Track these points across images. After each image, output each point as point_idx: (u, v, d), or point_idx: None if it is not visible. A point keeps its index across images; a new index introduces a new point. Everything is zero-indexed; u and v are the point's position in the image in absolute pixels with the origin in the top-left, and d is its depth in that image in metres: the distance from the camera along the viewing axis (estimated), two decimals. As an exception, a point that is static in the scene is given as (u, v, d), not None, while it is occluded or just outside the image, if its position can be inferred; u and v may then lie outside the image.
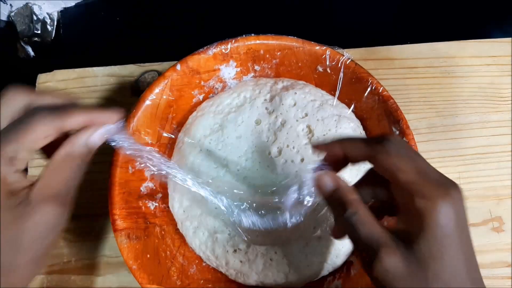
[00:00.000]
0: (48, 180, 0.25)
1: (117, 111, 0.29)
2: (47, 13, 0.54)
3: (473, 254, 0.25)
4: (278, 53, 0.43)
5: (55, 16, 0.55)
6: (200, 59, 0.42)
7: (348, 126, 0.41)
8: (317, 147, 0.29)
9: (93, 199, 0.46)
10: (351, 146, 0.28)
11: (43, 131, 0.25)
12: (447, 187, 0.24)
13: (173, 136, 0.44)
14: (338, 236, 0.28)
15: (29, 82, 0.50)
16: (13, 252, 0.23)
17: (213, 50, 0.42)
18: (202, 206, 0.40)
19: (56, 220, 0.25)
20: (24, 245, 0.24)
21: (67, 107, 0.27)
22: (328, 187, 0.27)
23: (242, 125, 0.42)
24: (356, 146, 0.27)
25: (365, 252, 0.25)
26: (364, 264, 0.25)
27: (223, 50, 0.42)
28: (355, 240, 0.26)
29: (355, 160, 0.28)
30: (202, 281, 0.39)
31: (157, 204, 0.42)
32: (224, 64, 0.43)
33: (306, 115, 0.42)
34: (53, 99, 0.28)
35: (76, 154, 0.27)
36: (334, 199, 0.27)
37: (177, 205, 0.41)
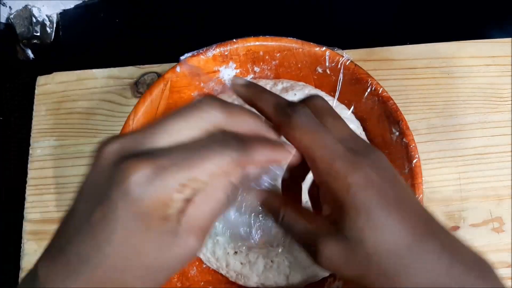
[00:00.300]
0: (198, 210, 0.22)
1: (292, 150, 0.25)
2: (47, 15, 0.54)
3: (415, 210, 0.23)
4: (278, 54, 0.43)
5: (55, 18, 0.55)
6: (199, 61, 0.42)
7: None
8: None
9: (93, 201, 0.46)
10: (261, 102, 0.26)
11: (222, 165, 0.21)
12: (355, 161, 0.23)
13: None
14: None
15: (29, 84, 0.51)
16: (142, 281, 0.21)
17: (213, 51, 0.42)
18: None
19: (193, 253, 0.22)
20: (158, 277, 0.22)
21: (252, 140, 0.23)
22: (261, 202, 0.27)
23: None
24: (267, 106, 0.26)
25: (306, 248, 0.25)
26: (311, 258, 0.24)
27: (223, 52, 0.42)
28: (295, 239, 0.26)
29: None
30: (202, 283, 0.39)
31: (157, 206, 0.42)
32: (223, 65, 0.43)
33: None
34: (247, 125, 0.24)
35: (233, 187, 0.23)
36: (269, 210, 0.27)
37: (177, 207, 0.41)
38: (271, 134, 0.25)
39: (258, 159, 0.23)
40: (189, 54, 0.40)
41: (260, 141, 0.23)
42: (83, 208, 0.21)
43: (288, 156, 0.24)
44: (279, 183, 0.28)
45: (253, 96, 0.27)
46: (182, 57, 0.37)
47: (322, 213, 0.25)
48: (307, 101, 0.26)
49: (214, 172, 0.21)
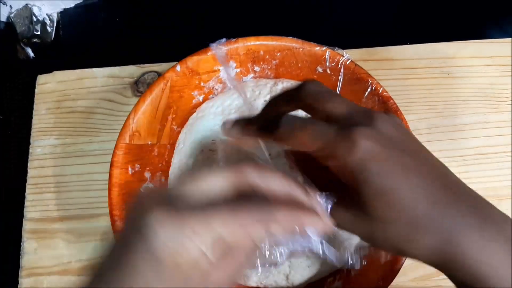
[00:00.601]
0: (221, 273, 0.22)
1: (326, 218, 0.25)
2: (47, 14, 0.54)
3: (429, 173, 0.23)
4: (278, 54, 0.43)
5: (55, 17, 0.55)
6: (199, 60, 0.42)
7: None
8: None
9: (93, 200, 0.46)
10: (253, 131, 0.28)
11: (247, 226, 0.22)
12: (350, 140, 0.22)
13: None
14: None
15: (29, 83, 0.51)
16: None
17: (213, 51, 0.42)
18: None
19: None
20: None
21: (279, 201, 0.24)
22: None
23: None
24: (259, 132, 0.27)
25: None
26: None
27: (223, 51, 0.42)
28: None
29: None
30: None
31: (157, 205, 0.42)
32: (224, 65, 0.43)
33: (307, 115, 0.41)
34: (278, 186, 0.24)
35: (256, 249, 0.23)
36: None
37: (177, 206, 0.41)
38: (303, 197, 0.25)
39: (282, 221, 0.23)
40: (223, 40, 0.39)
41: (287, 203, 0.24)
42: (113, 255, 0.22)
43: (316, 222, 0.24)
44: (316, 248, 0.26)
45: (242, 130, 0.28)
46: (214, 44, 0.37)
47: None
48: (301, 90, 0.26)
49: (239, 234, 0.21)
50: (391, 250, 0.26)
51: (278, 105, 0.28)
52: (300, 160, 0.30)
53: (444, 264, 0.23)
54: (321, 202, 0.26)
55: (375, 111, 0.25)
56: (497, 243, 0.22)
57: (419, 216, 0.22)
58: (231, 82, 0.34)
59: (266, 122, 0.27)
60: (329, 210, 0.26)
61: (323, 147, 0.23)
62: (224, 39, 0.39)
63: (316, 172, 0.28)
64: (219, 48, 0.36)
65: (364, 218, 0.24)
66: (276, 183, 0.24)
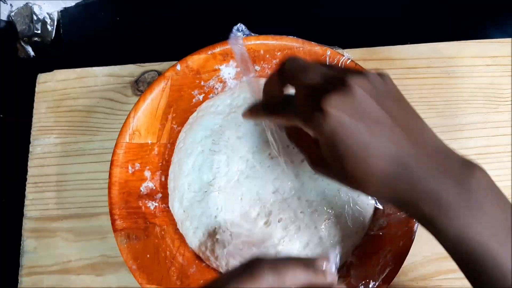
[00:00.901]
0: None
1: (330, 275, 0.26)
2: (47, 13, 0.54)
3: (395, 134, 0.25)
4: (278, 53, 0.43)
5: (55, 16, 0.55)
6: (200, 59, 0.42)
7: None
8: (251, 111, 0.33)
9: (93, 199, 0.46)
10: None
11: None
12: (318, 106, 0.25)
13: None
14: None
15: (29, 82, 0.51)
16: None
17: (213, 50, 0.42)
18: (202, 206, 0.40)
19: None
20: None
21: None
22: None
23: (243, 125, 0.41)
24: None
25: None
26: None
27: (223, 50, 0.42)
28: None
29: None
30: (202, 281, 0.40)
31: (157, 204, 0.42)
32: (224, 64, 0.43)
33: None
34: (298, 280, 0.25)
35: None
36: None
37: (177, 205, 0.41)
38: (322, 280, 0.26)
39: None
40: (242, 31, 0.39)
41: None
42: None
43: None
44: None
45: (254, 114, 0.33)
46: (233, 35, 0.38)
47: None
48: (282, 68, 0.28)
49: None
50: (356, 188, 0.28)
51: (272, 85, 0.30)
52: (299, 134, 0.33)
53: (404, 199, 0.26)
54: (333, 263, 0.27)
55: (353, 73, 0.26)
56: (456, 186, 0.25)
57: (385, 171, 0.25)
58: (249, 80, 0.35)
59: (270, 103, 0.31)
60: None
61: (302, 117, 0.27)
62: (244, 34, 0.40)
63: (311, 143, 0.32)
64: (238, 43, 0.36)
65: (336, 172, 0.28)
66: (296, 278, 0.25)
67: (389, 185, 0.25)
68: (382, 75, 0.27)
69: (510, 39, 0.51)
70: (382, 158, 0.25)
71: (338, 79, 0.26)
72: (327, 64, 0.29)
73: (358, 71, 0.27)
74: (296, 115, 0.28)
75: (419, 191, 0.25)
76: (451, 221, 0.24)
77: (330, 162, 0.27)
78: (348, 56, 0.42)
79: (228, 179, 0.40)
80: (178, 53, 0.43)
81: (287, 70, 0.28)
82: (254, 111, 0.32)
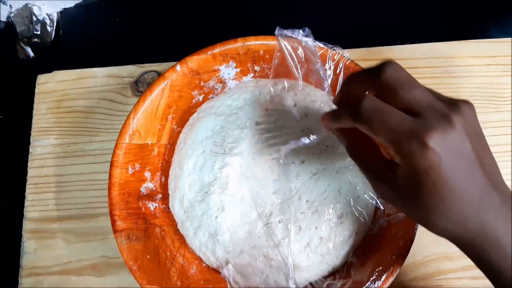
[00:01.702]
0: None
1: None
2: (47, 14, 0.54)
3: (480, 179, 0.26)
4: (278, 54, 0.43)
5: (55, 17, 0.55)
6: (199, 60, 0.42)
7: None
8: (326, 115, 0.32)
9: (93, 200, 0.46)
10: (352, 88, 0.29)
11: None
12: (424, 136, 0.24)
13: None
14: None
15: (29, 83, 0.51)
16: None
17: (213, 50, 0.42)
18: (203, 207, 0.40)
19: None
20: None
21: None
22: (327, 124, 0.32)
23: (244, 126, 0.41)
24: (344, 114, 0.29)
25: (371, 184, 0.30)
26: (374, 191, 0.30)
27: (223, 51, 0.42)
28: (351, 157, 0.31)
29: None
30: (202, 281, 0.39)
31: (157, 205, 0.42)
32: (224, 64, 0.43)
33: (306, 115, 0.41)
34: None
35: None
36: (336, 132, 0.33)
37: (177, 206, 0.41)
38: None
39: None
40: (286, 32, 0.39)
41: None
42: None
43: None
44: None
45: (331, 122, 0.31)
46: (279, 32, 0.38)
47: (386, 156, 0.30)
48: (380, 74, 0.27)
49: None
50: (419, 222, 0.28)
51: (352, 86, 0.29)
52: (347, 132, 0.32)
53: (470, 241, 0.26)
54: None
55: (453, 106, 0.26)
56: None
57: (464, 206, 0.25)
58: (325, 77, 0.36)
59: (345, 106, 0.29)
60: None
61: (394, 138, 0.25)
62: (287, 31, 0.39)
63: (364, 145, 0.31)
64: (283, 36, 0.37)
65: (409, 203, 0.27)
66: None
67: (461, 226, 0.26)
68: (469, 105, 0.27)
69: (510, 38, 0.51)
70: (465, 200, 0.25)
71: (442, 114, 0.25)
72: (425, 87, 0.28)
73: (456, 102, 0.27)
74: (384, 130, 0.26)
75: (486, 234, 0.26)
76: None
77: (405, 191, 0.27)
78: (348, 56, 0.42)
79: (229, 180, 0.40)
80: (178, 54, 0.43)
81: (387, 79, 0.26)
82: (334, 116, 0.31)
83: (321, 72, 0.38)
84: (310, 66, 0.38)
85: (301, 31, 0.38)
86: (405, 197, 0.27)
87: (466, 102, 0.27)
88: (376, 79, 0.27)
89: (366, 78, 0.28)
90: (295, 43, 0.39)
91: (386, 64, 0.27)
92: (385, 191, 0.28)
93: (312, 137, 0.34)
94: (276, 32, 0.38)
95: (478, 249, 0.26)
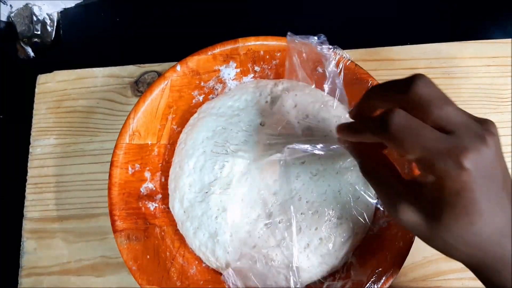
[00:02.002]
0: None
1: None
2: (47, 14, 0.54)
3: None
4: (278, 54, 0.43)
5: (55, 16, 0.55)
6: (200, 60, 0.42)
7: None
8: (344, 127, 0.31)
9: (93, 200, 0.46)
10: (375, 100, 0.28)
11: None
12: (456, 159, 0.23)
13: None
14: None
15: (29, 83, 0.51)
16: None
17: (213, 51, 0.42)
18: (203, 207, 0.40)
19: None
20: None
21: None
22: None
23: (247, 129, 0.41)
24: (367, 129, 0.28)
25: (383, 199, 0.28)
26: (386, 209, 0.28)
27: (223, 51, 0.42)
28: (373, 187, 0.29)
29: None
30: (202, 282, 0.39)
31: (157, 205, 0.42)
32: (224, 65, 0.43)
33: (307, 116, 0.41)
34: None
35: None
36: (352, 150, 0.32)
37: (177, 206, 0.41)
38: None
39: None
40: (298, 37, 0.38)
41: None
42: None
43: None
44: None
45: (354, 129, 0.30)
46: (290, 38, 0.37)
47: (412, 179, 0.28)
48: (411, 88, 0.25)
49: None
50: (436, 245, 0.27)
51: (375, 99, 0.28)
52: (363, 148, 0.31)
53: (491, 266, 0.26)
54: None
55: (484, 125, 0.26)
56: None
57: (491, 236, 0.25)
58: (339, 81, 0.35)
59: (367, 119, 0.28)
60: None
61: (428, 156, 0.24)
62: (300, 37, 0.38)
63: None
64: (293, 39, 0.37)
65: (434, 225, 0.26)
66: None
67: (482, 251, 0.25)
68: (495, 125, 0.27)
69: (510, 39, 0.51)
70: (492, 225, 0.25)
71: (477, 133, 0.25)
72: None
73: (486, 121, 0.26)
74: (417, 148, 0.24)
75: (509, 261, 0.25)
76: None
77: (428, 212, 0.26)
78: (348, 56, 0.42)
79: (229, 180, 0.40)
80: (178, 54, 0.43)
81: (419, 94, 0.25)
82: (354, 129, 0.30)
83: (337, 82, 0.37)
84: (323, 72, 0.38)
85: (316, 37, 0.37)
86: (428, 218, 0.26)
87: (491, 121, 0.26)
88: (404, 93, 0.25)
89: (392, 91, 0.27)
90: (306, 48, 0.38)
91: (416, 78, 0.25)
92: (404, 211, 0.26)
93: (319, 146, 0.33)
94: (288, 38, 0.37)
95: (498, 275, 0.26)
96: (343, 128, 0.31)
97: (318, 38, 0.37)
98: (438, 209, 0.25)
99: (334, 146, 0.33)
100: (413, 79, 0.25)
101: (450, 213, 0.24)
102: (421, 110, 0.25)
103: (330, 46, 0.38)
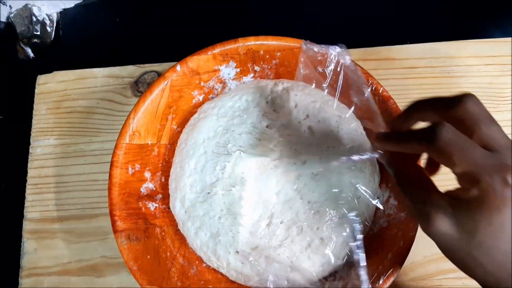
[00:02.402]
0: None
1: None
2: (47, 14, 0.54)
3: None
4: (278, 54, 0.43)
5: (55, 17, 0.55)
6: (199, 60, 0.42)
7: (349, 126, 0.41)
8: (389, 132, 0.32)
9: (93, 200, 0.46)
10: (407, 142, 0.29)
11: None
12: (503, 176, 0.24)
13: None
14: None
15: (29, 83, 0.51)
16: None
17: (213, 50, 0.42)
18: (205, 207, 0.40)
19: None
20: None
21: None
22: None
23: (248, 129, 0.41)
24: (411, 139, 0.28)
25: (415, 209, 0.28)
26: (418, 220, 0.28)
27: (223, 51, 0.42)
28: (405, 195, 0.29)
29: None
30: (202, 282, 0.39)
31: (157, 205, 0.42)
32: (224, 64, 0.43)
33: (308, 116, 0.41)
34: None
35: None
36: (388, 162, 0.32)
37: (178, 206, 0.41)
38: None
39: None
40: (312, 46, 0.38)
41: None
42: None
43: None
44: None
45: (397, 139, 0.30)
46: (306, 46, 0.37)
47: (453, 192, 0.28)
48: (460, 105, 0.26)
49: None
50: (463, 264, 0.27)
51: (422, 112, 0.29)
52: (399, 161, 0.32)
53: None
54: None
55: None
56: None
57: None
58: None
59: (410, 131, 0.29)
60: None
61: (475, 171, 0.25)
62: (314, 45, 0.38)
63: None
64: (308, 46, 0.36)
65: (467, 239, 0.26)
66: None
67: (509, 271, 0.25)
68: None
69: (509, 38, 0.51)
70: None
71: None
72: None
73: None
74: (465, 162, 0.25)
75: None
76: None
77: (464, 227, 0.26)
78: (348, 56, 0.42)
79: (231, 181, 0.40)
80: (178, 54, 0.43)
81: (468, 112, 0.26)
82: (397, 138, 0.30)
83: (365, 93, 0.36)
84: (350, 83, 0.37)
85: (336, 47, 0.36)
86: (462, 233, 0.26)
87: None
88: (453, 109, 0.27)
89: (439, 107, 0.28)
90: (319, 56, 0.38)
91: (466, 96, 0.27)
92: (439, 223, 0.26)
93: (355, 158, 0.34)
94: (303, 47, 0.37)
95: None
96: (383, 137, 0.31)
97: (339, 47, 0.36)
98: (474, 224, 0.25)
99: (366, 156, 0.33)
100: (463, 97, 0.27)
101: (486, 229, 0.25)
102: (468, 127, 0.26)
103: (341, 50, 0.37)
